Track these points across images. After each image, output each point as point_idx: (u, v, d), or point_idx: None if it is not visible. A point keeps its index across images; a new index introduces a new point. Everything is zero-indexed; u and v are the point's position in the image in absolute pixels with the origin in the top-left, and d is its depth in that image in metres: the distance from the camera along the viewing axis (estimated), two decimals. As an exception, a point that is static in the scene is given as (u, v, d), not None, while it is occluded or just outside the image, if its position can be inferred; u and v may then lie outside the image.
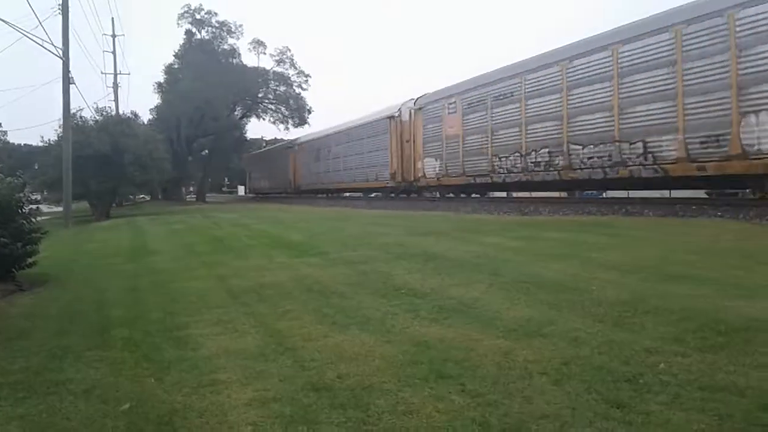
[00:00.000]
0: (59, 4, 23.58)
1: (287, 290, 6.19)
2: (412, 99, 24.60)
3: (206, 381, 3.54)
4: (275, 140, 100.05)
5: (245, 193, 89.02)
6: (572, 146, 15.00)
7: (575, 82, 14.91)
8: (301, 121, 48.72)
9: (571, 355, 3.60)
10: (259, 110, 50.12)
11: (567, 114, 15.18)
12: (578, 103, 14.78)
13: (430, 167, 22.58)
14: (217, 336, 4.59)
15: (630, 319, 4.34)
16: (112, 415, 3.18)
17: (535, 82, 16.40)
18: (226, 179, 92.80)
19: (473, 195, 21.65)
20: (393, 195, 26.76)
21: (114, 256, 11.05)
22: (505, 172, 17.78)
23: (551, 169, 15.80)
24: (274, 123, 50.72)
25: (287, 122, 49.32)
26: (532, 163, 16.54)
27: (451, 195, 22.12)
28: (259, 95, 48.70)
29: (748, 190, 18.61)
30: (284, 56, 47.69)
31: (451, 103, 20.93)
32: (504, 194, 23.37)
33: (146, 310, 5.89)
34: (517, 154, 17.20)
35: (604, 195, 21.46)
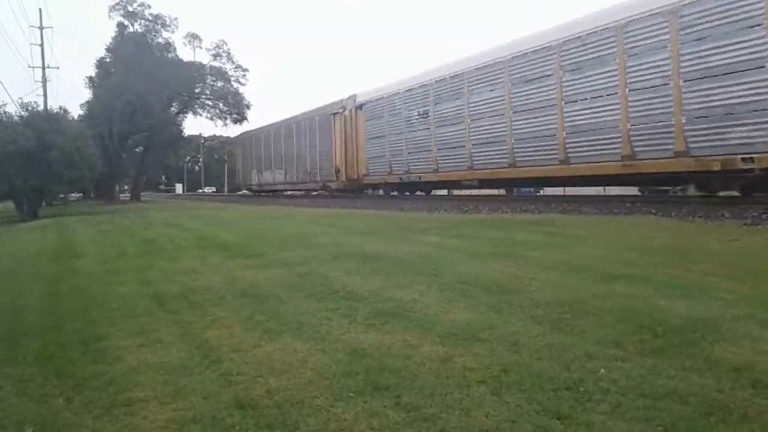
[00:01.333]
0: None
1: (219, 295, 5.87)
2: None
3: (121, 400, 3.23)
4: (214, 137, 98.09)
5: (183, 191, 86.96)
6: None
7: None
8: (240, 117, 47.58)
9: (511, 361, 3.48)
10: (196, 106, 48.70)
11: None
12: None
13: None
14: (138, 348, 4.27)
15: (569, 321, 4.27)
16: (11, 442, 2.86)
17: None
18: (164, 177, 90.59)
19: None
20: None
21: (36, 258, 10.42)
22: None
23: None
24: (211, 119, 49.34)
25: (225, 118, 48.11)
26: None
27: None
28: (196, 90, 47.34)
29: (680, 188, 19.23)
30: (221, 50, 46.55)
31: None
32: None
33: (64, 318, 5.47)
34: None
35: (541, 192, 21.73)
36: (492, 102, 16.95)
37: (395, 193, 23.68)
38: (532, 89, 15.45)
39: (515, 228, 10.11)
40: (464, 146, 18.05)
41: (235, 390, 3.27)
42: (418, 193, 23.12)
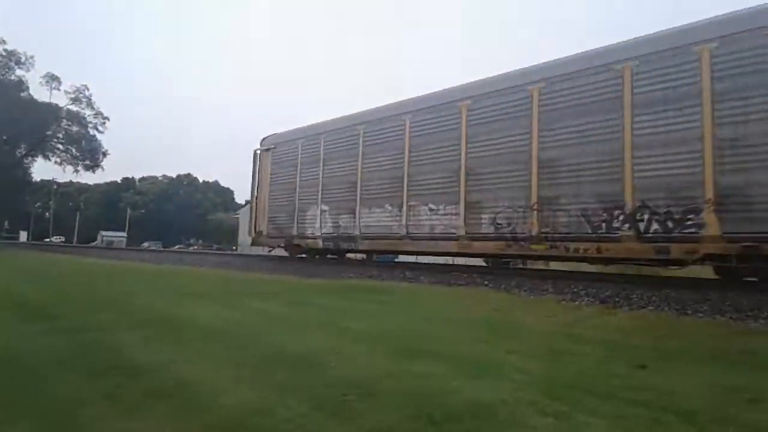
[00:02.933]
0: None
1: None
2: None
3: None
4: (70, 183, 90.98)
5: (28, 239, 79.54)
6: None
7: None
8: (94, 164, 44.73)
9: (262, 458, 3.04)
10: (46, 150, 45.17)
11: None
12: None
13: None
14: None
15: (352, 403, 3.92)
16: None
17: None
18: (6, 223, 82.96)
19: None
20: None
21: None
22: None
23: None
24: (60, 164, 45.79)
25: (77, 164, 44.96)
26: None
27: None
28: (48, 133, 44.05)
29: (519, 260, 20.13)
30: (81, 95, 43.98)
31: None
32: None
33: None
34: None
35: (396, 259, 21.88)
36: None
37: None
38: None
39: (348, 295, 9.84)
40: None
41: None
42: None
